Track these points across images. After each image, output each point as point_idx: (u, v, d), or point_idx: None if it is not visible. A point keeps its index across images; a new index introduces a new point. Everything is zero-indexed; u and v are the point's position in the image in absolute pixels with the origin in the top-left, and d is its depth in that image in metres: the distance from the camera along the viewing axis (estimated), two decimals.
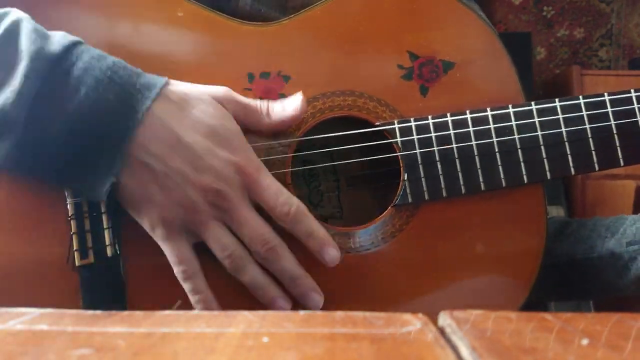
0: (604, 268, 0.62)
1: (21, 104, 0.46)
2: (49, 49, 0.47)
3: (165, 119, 0.48)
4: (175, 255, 0.49)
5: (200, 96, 0.50)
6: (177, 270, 0.50)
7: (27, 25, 0.48)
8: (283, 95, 0.55)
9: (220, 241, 0.49)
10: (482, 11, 0.62)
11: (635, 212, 1.58)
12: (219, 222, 0.49)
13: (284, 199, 0.50)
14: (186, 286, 0.50)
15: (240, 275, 0.51)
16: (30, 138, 0.47)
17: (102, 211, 0.51)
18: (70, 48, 0.48)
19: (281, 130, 0.53)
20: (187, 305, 0.51)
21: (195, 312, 0.27)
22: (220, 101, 0.51)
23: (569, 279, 0.66)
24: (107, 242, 0.51)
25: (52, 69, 0.46)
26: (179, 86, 0.51)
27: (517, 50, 2.02)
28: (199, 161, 0.48)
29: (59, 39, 0.48)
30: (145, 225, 0.50)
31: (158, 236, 0.49)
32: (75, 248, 0.50)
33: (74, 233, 0.51)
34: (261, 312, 0.27)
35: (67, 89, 0.46)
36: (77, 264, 0.50)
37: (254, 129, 0.53)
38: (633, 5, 2.25)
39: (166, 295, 0.52)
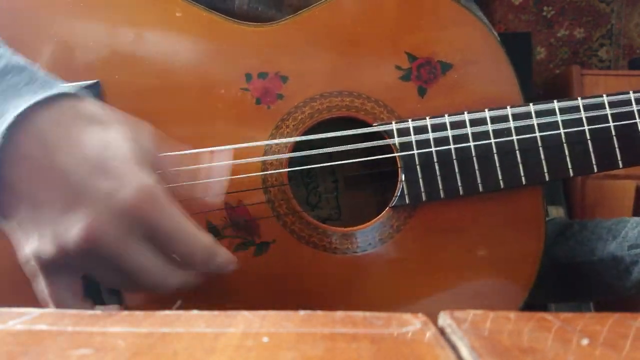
0: (605, 271, 0.62)
1: None
2: None
3: (44, 132, 0.39)
4: (48, 295, 0.41)
5: (108, 118, 0.41)
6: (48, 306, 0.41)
7: None
8: (281, 96, 0.55)
9: (108, 282, 0.42)
10: (482, 11, 0.62)
11: (635, 212, 1.58)
12: (100, 265, 0.40)
13: (192, 247, 0.41)
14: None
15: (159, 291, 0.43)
16: None
17: None
18: None
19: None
20: (187, 306, 0.51)
21: (195, 312, 0.27)
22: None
23: (570, 281, 0.66)
24: None
25: None
26: (94, 105, 0.42)
27: (517, 50, 2.03)
28: (72, 196, 0.38)
29: None
30: (19, 254, 0.41)
31: (29, 268, 0.41)
32: None
33: None
34: (261, 312, 0.27)
35: None
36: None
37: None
38: (633, 5, 2.25)
39: (163, 297, 0.52)
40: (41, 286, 0.41)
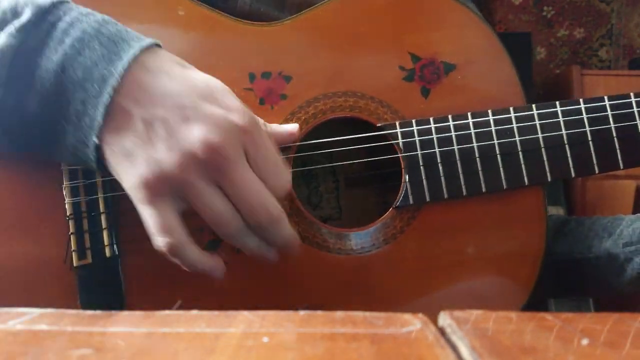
0: (600, 268, 0.62)
1: (2, 58, 0.43)
2: (34, 2, 0.45)
3: (153, 67, 0.44)
4: (156, 223, 0.43)
5: (193, 67, 0.47)
6: (160, 243, 0.44)
7: None
8: (285, 96, 0.55)
9: (212, 208, 0.44)
10: (482, 11, 0.62)
11: (635, 212, 1.58)
12: (211, 184, 0.43)
13: (280, 174, 0.46)
14: (177, 261, 0.45)
15: (236, 245, 0.47)
16: (12, 97, 0.44)
17: (101, 211, 0.51)
18: (57, 4, 0.45)
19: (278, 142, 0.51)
20: (187, 305, 0.51)
21: (195, 312, 0.27)
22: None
23: (566, 277, 0.67)
24: (106, 242, 0.51)
25: (36, 22, 0.44)
26: (172, 54, 0.47)
27: (517, 50, 2.02)
28: (188, 111, 0.43)
29: None
30: (125, 186, 0.44)
31: (137, 199, 0.43)
32: (73, 248, 0.50)
33: (72, 233, 0.51)
34: (261, 312, 0.27)
35: (52, 41, 0.44)
36: (74, 264, 0.50)
37: None
38: (633, 5, 2.25)
39: (165, 296, 0.52)
40: (146, 215, 0.44)
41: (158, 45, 0.47)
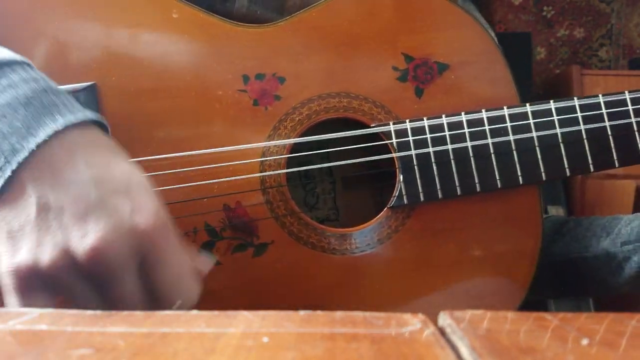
0: (598, 267, 0.62)
1: None
2: None
3: (73, 150, 0.40)
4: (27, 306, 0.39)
5: (125, 155, 0.43)
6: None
7: None
8: (278, 97, 0.55)
9: (84, 306, 0.39)
10: (482, 11, 0.62)
11: (635, 212, 1.57)
12: (86, 285, 0.39)
13: (178, 288, 0.41)
14: None
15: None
16: None
17: None
18: (2, 65, 0.43)
19: None
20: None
21: (195, 312, 0.27)
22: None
23: (564, 277, 0.67)
24: None
25: None
26: (111, 140, 0.43)
27: (517, 50, 2.03)
28: (90, 206, 0.38)
29: None
30: (1, 264, 0.39)
31: (5, 285, 0.39)
32: None
33: None
34: (261, 312, 0.27)
35: None
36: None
37: None
38: (633, 5, 2.25)
39: None
40: (11, 302, 0.39)
41: (102, 125, 0.43)
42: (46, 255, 0.38)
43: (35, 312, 0.27)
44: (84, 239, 0.38)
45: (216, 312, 0.27)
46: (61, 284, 0.39)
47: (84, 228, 0.38)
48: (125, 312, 0.28)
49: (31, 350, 0.22)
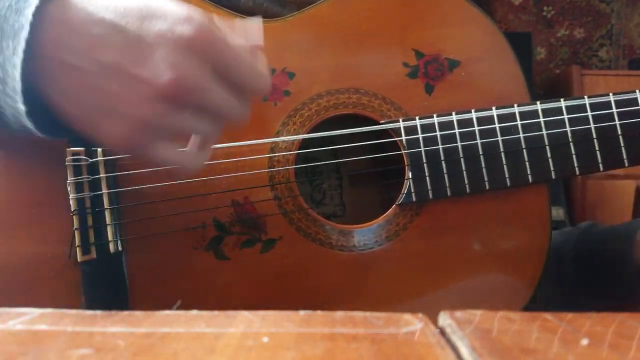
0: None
1: None
2: None
3: (72, 3, 0.37)
4: (161, 161, 0.42)
5: None
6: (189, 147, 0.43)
7: None
8: (287, 92, 0.55)
9: (197, 132, 0.42)
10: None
11: (635, 212, 1.58)
12: (188, 112, 0.40)
13: (254, 73, 0.42)
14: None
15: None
16: None
17: (105, 207, 0.52)
18: None
19: None
20: (187, 305, 0.51)
21: (195, 312, 0.27)
22: None
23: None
24: (110, 238, 0.51)
25: None
26: None
27: (517, 50, 2.02)
28: (134, 47, 0.37)
29: None
30: (105, 144, 0.41)
31: (124, 152, 0.41)
32: (77, 244, 0.50)
33: (76, 229, 0.51)
34: (261, 312, 0.27)
35: None
36: (79, 259, 0.51)
37: None
38: (633, 5, 2.25)
39: (168, 291, 0.52)
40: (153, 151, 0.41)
41: None
42: (143, 113, 0.38)
43: (35, 312, 0.27)
44: (158, 80, 0.37)
45: (216, 312, 0.27)
46: (173, 125, 0.39)
47: (150, 71, 0.37)
48: (125, 312, 0.28)
49: (31, 350, 0.22)
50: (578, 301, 0.69)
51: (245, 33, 0.44)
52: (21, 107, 0.38)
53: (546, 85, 2.23)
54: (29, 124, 0.40)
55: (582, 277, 0.68)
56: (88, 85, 0.38)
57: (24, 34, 0.37)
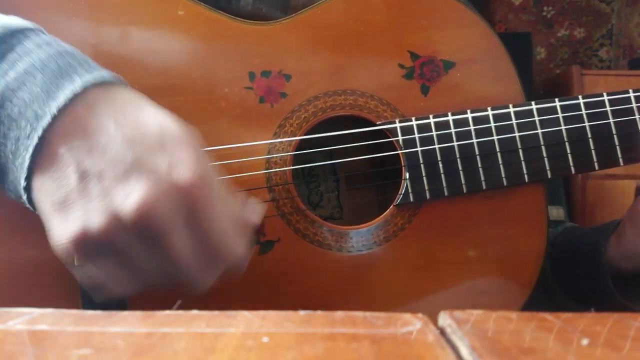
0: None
1: None
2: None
3: (98, 110, 0.40)
4: (82, 280, 0.41)
5: (153, 104, 0.42)
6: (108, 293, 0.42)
7: None
8: (284, 94, 0.55)
9: (137, 271, 0.40)
10: (482, 11, 0.62)
11: None
12: (140, 247, 0.39)
13: (223, 249, 0.41)
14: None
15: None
16: None
17: None
18: (15, 33, 0.42)
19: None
20: (187, 305, 0.51)
21: (195, 312, 0.27)
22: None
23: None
24: None
25: None
26: (135, 93, 0.43)
27: (517, 50, 2.02)
28: (128, 166, 0.38)
29: (7, 23, 0.42)
30: (51, 241, 0.40)
31: (67, 254, 0.40)
32: None
33: None
34: (261, 312, 0.27)
35: None
36: (76, 264, 0.50)
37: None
38: (633, 5, 2.25)
39: (166, 295, 0.52)
40: (81, 270, 0.41)
41: (118, 81, 0.42)
42: (94, 221, 0.38)
43: (35, 312, 0.27)
44: (127, 200, 0.37)
45: (216, 312, 0.27)
46: (115, 248, 0.39)
47: (126, 190, 0.38)
48: (125, 312, 0.28)
49: (31, 350, 0.22)
50: (555, 298, 0.70)
51: (246, 209, 0.44)
52: (23, 182, 0.40)
53: (546, 85, 2.23)
54: (23, 196, 0.41)
55: (556, 272, 0.69)
56: (67, 181, 0.39)
57: (44, 122, 0.39)
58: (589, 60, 2.27)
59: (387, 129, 0.55)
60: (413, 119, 0.55)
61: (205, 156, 0.41)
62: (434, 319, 0.27)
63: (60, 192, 0.39)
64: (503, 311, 0.29)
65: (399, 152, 0.55)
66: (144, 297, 0.52)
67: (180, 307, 0.51)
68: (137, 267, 0.40)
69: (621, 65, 2.26)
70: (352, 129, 0.56)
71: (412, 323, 0.26)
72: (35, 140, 0.39)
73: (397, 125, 0.55)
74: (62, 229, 0.39)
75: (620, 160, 0.55)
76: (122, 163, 0.38)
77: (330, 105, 0.55)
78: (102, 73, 0.41)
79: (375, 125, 0.56)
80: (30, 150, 0.39)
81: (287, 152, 0.54)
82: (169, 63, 0.54)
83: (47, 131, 0.39)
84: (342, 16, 0.57)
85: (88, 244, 0.39)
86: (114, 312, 0.27)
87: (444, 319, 0.27)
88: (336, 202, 0.65)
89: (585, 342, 0.24)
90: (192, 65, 0.54)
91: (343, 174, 0.65)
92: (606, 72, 2.16)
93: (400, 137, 0.55)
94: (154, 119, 0.40)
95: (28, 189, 0.41)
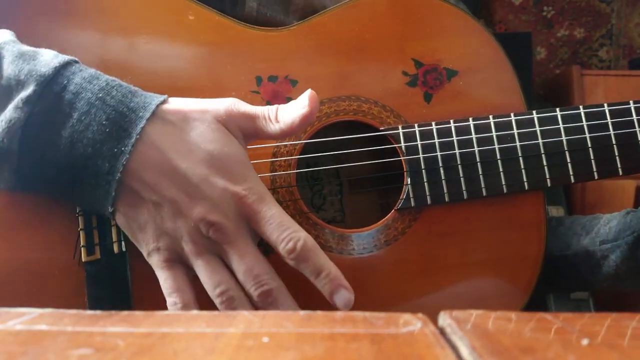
0: (577, 264, 0.63)
1: (12, 132, 0.44)
2: (37, 72, 0.45)
3: (160, 142, 0.46)
4: (167, 285, 0.47)
5: (201, 116, 0.47)
6: (169, 302, 0.47)
7: (11, 48, 0.47)
8: (290, 99, 0.55)
9: (212, 277, 0.46)
10: (482, 11, 0.62)
11: None
12: (213, 255, 0.46)
13: (288, 234, 0.45)
14: None
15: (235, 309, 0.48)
16: (27, 166, 0.46)
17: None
18: (60, 70, 0.46)
19: (293, 133, 0.49)
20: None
21: (195, 312, 0.27)
22: (224, 118, 0.48)
23: (544, 274, 0.68)
24: (114, 238, 0.51)
25: (42, 94, 0.45)
26: (177, 104, 0.48)
27: (517, 50, 2.02)
28: (193, 190, 0.45)
29: (47, 60, 0.46)
30: (143, 252, 0.48)
31: (153, 264, 0.48)
32: (82, 244, 0.51)
33: (81, 229, 0.51)
34: (261, 312, 0.27)
35: (59, 115, 0.45)
36: (83, 259, 0.51)
37: (265, 137, 0.50)
38: (633, 5, 2.25)
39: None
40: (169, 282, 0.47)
41: (164, 102, 0.47)
42: (173, 235, 0.46)
43: (35, 312, 0.27)
44: (196, 215, 0.45)
45: (216, 312, 0.27)
46: (190, 258, 0.46)
47: (194, 207, 0.45)
48: (125, 312, 0.28)
49: (31, 350, 0.22)
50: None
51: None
52: (110, 209, 0.47)
53: (546, 85, 2.23)
54: (108, 215, 0.48)
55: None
56: (141, 208, 0.46)
57: (123, 159, 0.45)
58: (589, 60, 2.27)
59: (390, 134, 0.56)
60: (416, 125, 0.56)
61: (252, 171, 0.47)
62: (434, 320, 0.27)
63: (141, 216, 0.46)
64: (503, 311, 0.29)
65: (402, 158, 0.55)
66: (148, 297, 0.52)
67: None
68: (207, 277, 0.46)
69: (621, 65, 2.25)
70: (355, 134, 0.57)
71: (412, 323, 0.26)
72: (117, 175, 0.45)
73: (400, 131, 0.56)
74: (148, 243, 0.47)
75: (620, 170, 0.56)
76: (187, 187, 0.45)
77: (334, 110, 0.56)
78: (155, 103, 0.46)
79: (379, 130, 0.56)
80: (115, 184, 0.45)
81: (292, 156, 0.55)
82: (178, 67, 0.55)
83: (124, 167, 0.45)
84: (347, 24, 0.57)
85: (168, 253, 0.47)
86: (114, 312, 0.27)
87: (444, 319, 0.27)
88: (339, 205, 0.65)
89: (585, 342, 0.24)
90: (201, 69, 0.55)
91: (346, 177, 0.65)
92: (606, 72, 2.16)
93: (402, 144, 0.55)
94: (210, 137, 0.46)
95: (113, 213, 0.47)
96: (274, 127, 0.49)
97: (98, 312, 0.27)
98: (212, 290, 0.46)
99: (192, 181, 0.45)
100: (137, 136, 0.45)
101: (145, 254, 0.48)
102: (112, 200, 0.46)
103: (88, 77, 0.46)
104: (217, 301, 0.46)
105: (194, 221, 0.45)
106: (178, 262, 0.47)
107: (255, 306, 0.46)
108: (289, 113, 0.49)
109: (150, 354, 0.22)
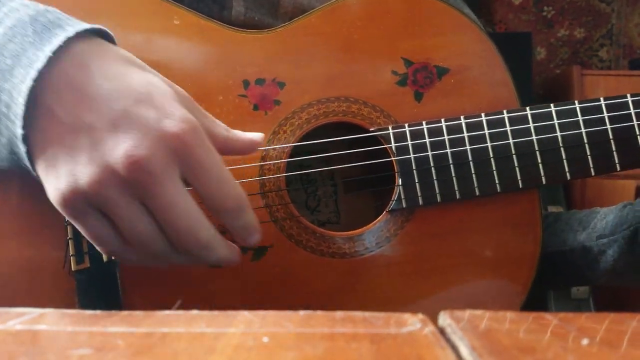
0: (575, 260, 0.63)
1: None
2: None
3: (87, 63, 0.39)
4: (88, 236, 0.41)
5: (141, 63, 0.42)
6: (102, 252, 0.42)
7: None
8: (278, 102, 0.55)
9: (132, 228, 0.39)
10: (482, 11, 0.62)
11: None
12: (134, 201, 0.39)
13: (227, 190, 0.40)
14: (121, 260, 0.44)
15: (159, 265, 0.44)
16: None
17: None
18: None
19: (231, 150, 0.46)
20: (187, 306, 0.51)
21: (195, 312, 0.27)
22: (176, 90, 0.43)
23: (543, 270, 0.68)
24: None
25: None
26: (124, 51, 0.42)
27: (517, 50, 2.02)
28: (118, 118, 0.38)
29: None
30: (50, 199, 0.40)
31: (64, 213, 0.40)
32: (71, 253, 0.50)
33: (70, 238, 0.50)
34: (261, 312, 0.27)
35: None
36: (73, 268, 0.50)
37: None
38: (633, 5, 2.25)
39: (162, 300, 0.52)
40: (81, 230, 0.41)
41: (105, 36, 0.42)
42: (85, 174, 0.38)
43: (35, 312, 0.27)
44: (117, 149, 0.37)
45: (216, 312, 0.27)
46: (108, 202, 0.38)
47: (116, 140, 0.37)
48: (125, 312, 0.28)
49: (31, 350, 0.22)
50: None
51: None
52: (19, 130, 0.39)
53: (546, 85, 2.23)
54: (21, 149, 0.40)
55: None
56: (57, 134, 0.39)
57: (39, 64, 0.38)
58: (589, 60, 2.27)
59: (380, 135, 0.55)
60: (406, 125, 0.55)
61: (197, 108, 0.42)
62: (433, 320, 0.27)
63: (53, 148, 0.39)
64: (503, 311, 0.29)
65: (392, 158, 0.55)
66: (138, 305, 0.52)
67: (180, 307, 0.51)
68: (130, 227, 0.39)
69: (621, 65, 2.25)
70: (346, 136, 0.56)
71: (412, 323, 0.26)
72: (28, 82, 0.38)
73: (390, 131, 0.55)
74: (53, 188, 0.39)
75: (617, 166, 0.54)
76: (110, 115, 0.38)
77: (323, 112, 0.55)
78: (89, 25, 0.41)
79: (369, 132, 0.56)
80: (24, 94, 0.38)
81: (281, 159, 0.54)
82: (164, 71, 0.54)
83: (39, 80, 0.38)
84: (335, 24, 0.57)
85: (78, 200, 0.38)
86: (114, 312, 0.27)
87: (444, 319, 0.27)
88: (334, 207, 0.64)
89: (585, 341, 0.24)
90: (187, 73, 0.54)
91: (341, 179, 0.64)
92: (606, 72, 2.16)
93: (393, 144, 0.55)
94: (141, 74, 0.41)
95: (26, 141, 0.40)
96: (221, 130, 0.45)
97: (98, 312, 0.27)
98: (132, 241, 0.40)
99: (119, 108, 0.38)
100: (61, 42, 0.39)
101: (51, 200, 0.40)
102: (21, 117, 0.39)
103: (26, 3, 0.43)
104: (135, 252, 0.41)
105: (114, 157, 0.37)
106: (87, 211, 0.40)
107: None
108: (239, 133, 0.46)
109: (150, 354, 0.22)
